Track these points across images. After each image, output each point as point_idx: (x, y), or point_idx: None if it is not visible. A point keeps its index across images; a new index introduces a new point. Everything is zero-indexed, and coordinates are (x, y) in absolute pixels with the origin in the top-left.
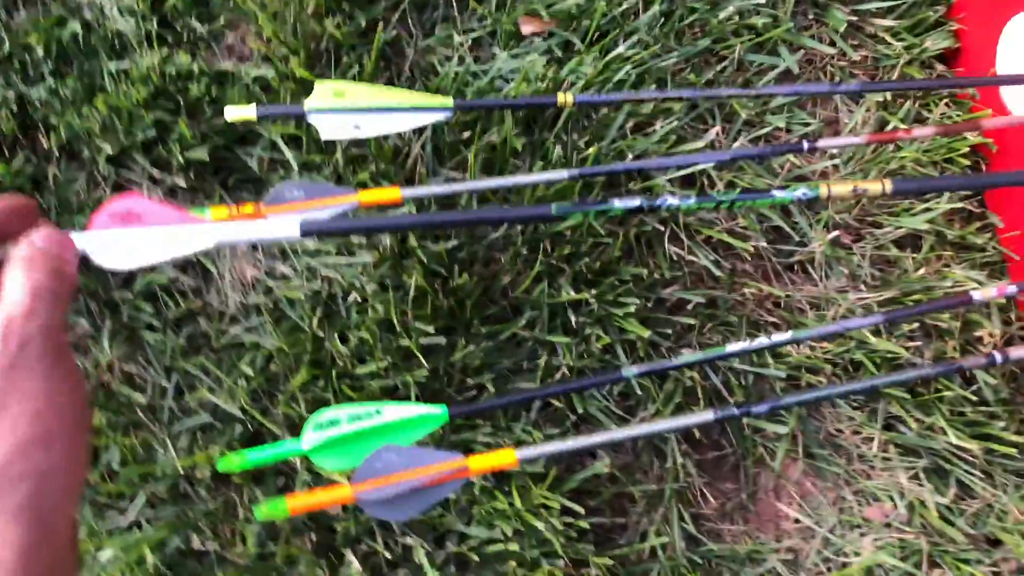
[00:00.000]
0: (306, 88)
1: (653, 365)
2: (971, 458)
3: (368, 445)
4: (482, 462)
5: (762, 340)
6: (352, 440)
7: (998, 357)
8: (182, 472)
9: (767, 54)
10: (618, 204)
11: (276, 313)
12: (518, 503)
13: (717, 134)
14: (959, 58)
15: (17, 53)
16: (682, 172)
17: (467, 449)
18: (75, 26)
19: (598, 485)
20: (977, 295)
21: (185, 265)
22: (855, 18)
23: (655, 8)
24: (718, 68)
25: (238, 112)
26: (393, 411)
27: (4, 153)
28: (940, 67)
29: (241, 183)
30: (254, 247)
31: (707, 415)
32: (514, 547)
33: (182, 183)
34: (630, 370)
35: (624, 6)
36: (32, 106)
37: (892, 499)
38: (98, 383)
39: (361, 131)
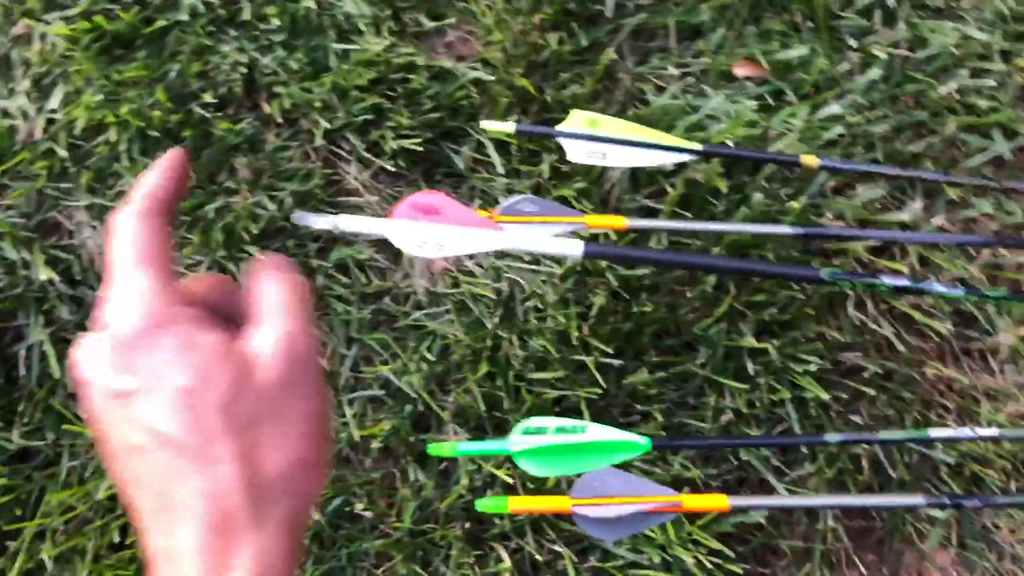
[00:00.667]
0: (521, 96)
1: (855, 435)
2: None
3: (569, 459)
4: (696, 501)
5: (966, 431)
6: (555, 451)
7: None
8: (358, 439)
9: (980, 135)
10: (887, 280)
11: (459, 305)
12: (671, 534)
13: (921, 209)
14: None
15: (254, 21)
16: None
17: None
18: (309, 2)
19: (748, 532)
20: None
21: (379, 245)
22: None
23: (874, 72)
24: (927, 142)
25: (497, 126)
26: (598, 432)
27: (229, 111)
28: None
29: (445, 176)
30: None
31: (918, 499)
32: (658, 575)
33: (390, 167)
34: (833, 437)
35: (846, 66)
36: (261, 72)
37: None
38: None
39: (607, 160)
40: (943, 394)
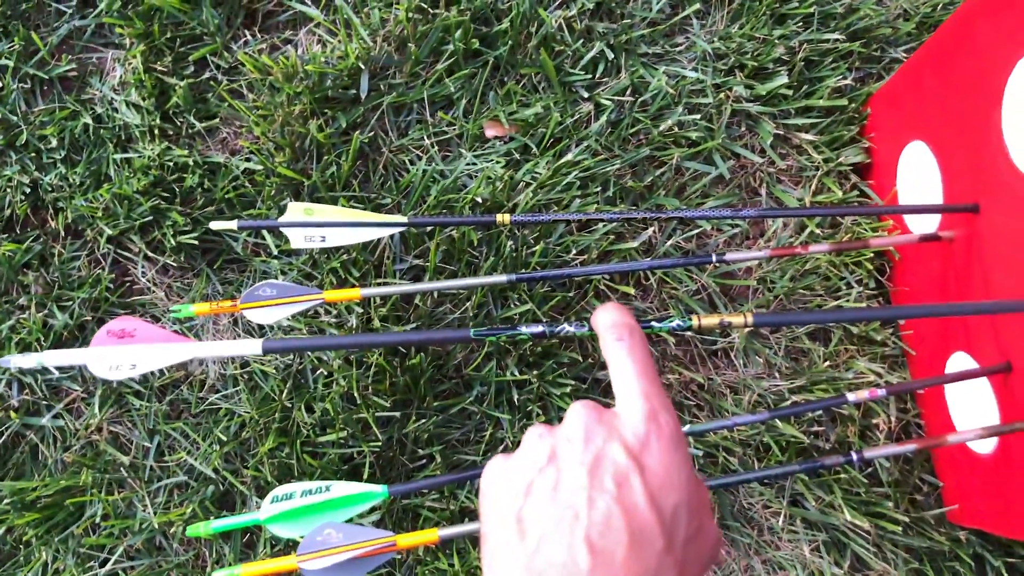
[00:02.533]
0: (288, 182)
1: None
2: (865, 533)
3: (317, 517)
4: (408, 539)
5: (708, 424)
6: (304, 511)
7: (855, 457)
8: (157, 527)
9: (703, 161)
10: (525, 331)
11: (251, 384)
12: (457, 564)
13: (653, 233)
14: (870, 172)
15: (33, 142)
16: (604, 272)
17: (415, 513)
18: (87, 119)
19: None
20: (851, 396)
21: None
22: (781, 131)
23: (604, 119)
24: (658, 173)
25: (222, 225)
26: (341, 488)
27: (16, 231)
28: (855, 178)
29: (227, 263)
30: (235, 322)
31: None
32: None
33: (173, 263)
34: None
35: (576, 117)
36: (44, 190)
37: (796, 569)
38: (87, 443)
39: (326, 242)
40: (695, 393)
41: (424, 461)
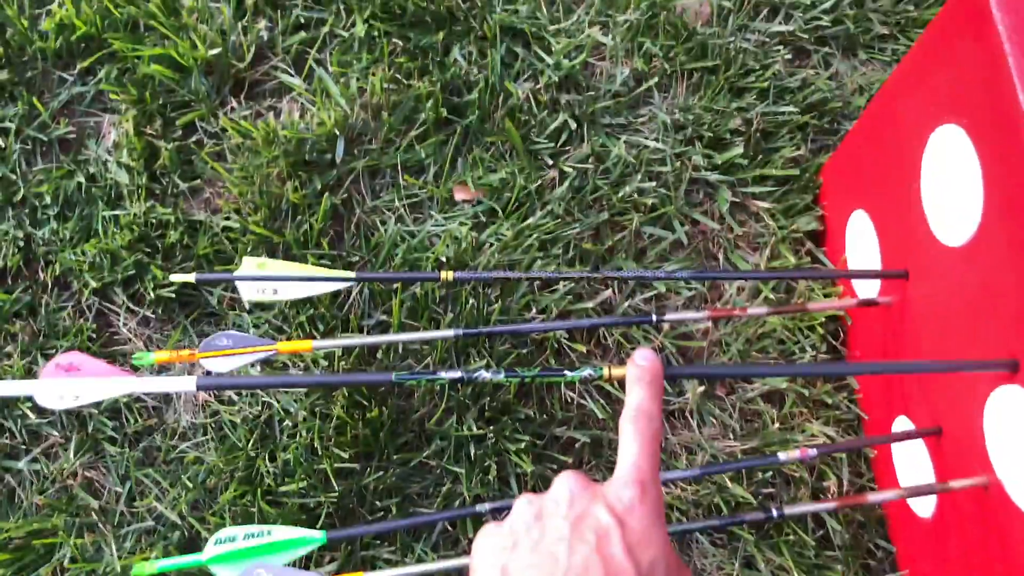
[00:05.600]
0: (262, 240)
1: (504, 503)
2: None
3: (257, 558)
4: None
5: None
6: (245, 554)
7: (775, 513)
8: (120, 571)
9: (662, 227)
10: (443, 375)
11: (220, 433)
12: None
13: (612, 294)
14: (824, 239)
15: (30, 199)
16: (550, 329)
17: (373, 564)
18: (80, 178)
19: None
20: (783, 456)
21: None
22: (739, 199)
23: (566, 185)
24: (618, 237)
25: (181, 277)
26: (281, 532)
27: (7, 282)
28: (809, 244)
29: (204, 316)
30: (207, 373)
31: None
32: None
33: (152, 315)
34: (484, 507)
35: (540, 182)
36: (36, 243)
37: None
38: (62, 487)
39: (278, 295)
40: None
41: (382, 513)
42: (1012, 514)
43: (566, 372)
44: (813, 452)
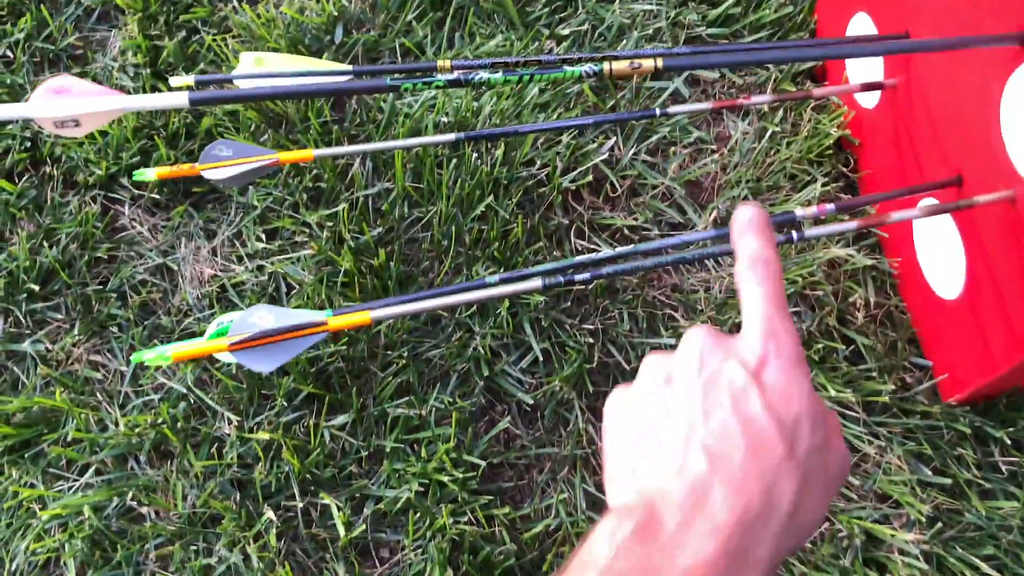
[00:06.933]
0: (266, 118)
1: (512, 274)
2: (853, 415)
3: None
4: (340, 321)
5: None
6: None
7: (795, 236)
8: (125, 430)
9: (663, 82)
10: (441, 78)
11: (226, 307)
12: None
13: (616, 144)
14: (824, 76)
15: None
16: (549, 129)
17: (395, 418)
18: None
19: (506, 455)
20: (800, 212)
21: (154, 270)
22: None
23: (563, 48)
24: (619, 95)
25: (180, 80)
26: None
27: (15, 180)
28: (809, 84)
29: (209, 198)
30: (214, 252)
31: (536, 283)
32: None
33: (159, 197)
34: (492, 278)
35: (537, 45)
36: (42, 142)
37: None
38: (66, 372)
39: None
40: (668, 297)
41: (394, 365)
42: None
43: (565, 68)
44: (831, 207)
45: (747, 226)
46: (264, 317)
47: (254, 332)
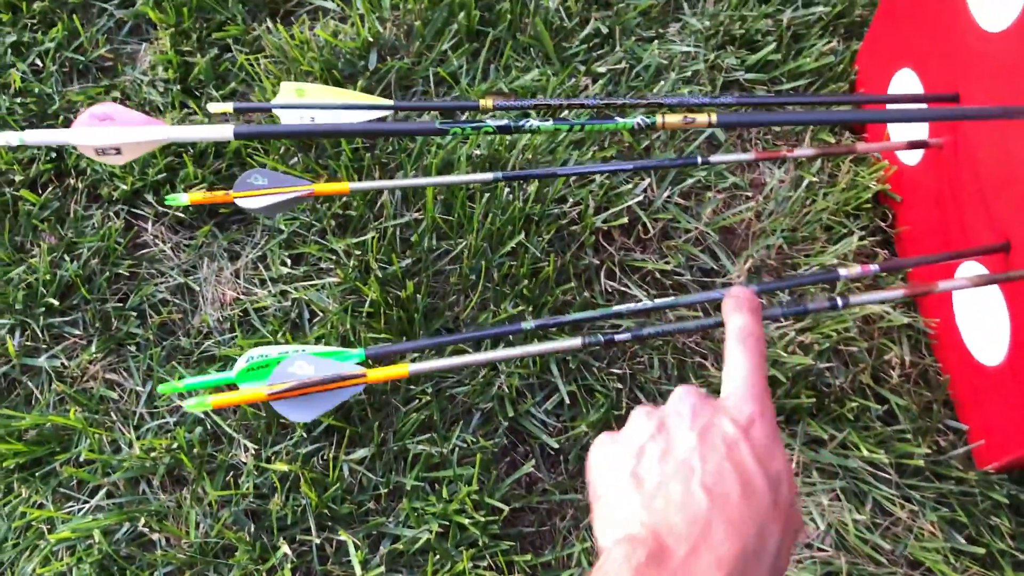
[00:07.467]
0: (297, 142)
1: (548, 321)
2: (886, 476)
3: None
4: (379, 374)
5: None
6: (274, 364)
7: (839, 302)
8: (139, 454)
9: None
10: (490, 123)
11: (247, 329)
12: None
13: (650, 185)
14: (863, 127)
15: (63, 113)
16: (579, 172)
17: (416, 455)
18: (115, 94)
19: (528, 499)
20: (843, 272)
21: (175, 289)
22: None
23: (598, 86)
24: (654, 136)
25: (219, 107)
26: (316, 349)
27: (39, 192)
28: (848, 135)
29: (234, 219)
30: (237, 274)
31: (575, 342)
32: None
33: (183, 215)
34: (528, 323)
35: (573, 82)
36: (67, 153)
37: (814, 521)
38: (81, 390)
39: (315, 121)
40: (698, 344)
41: (417, 401)
42: None
43: (617, 119)
44: (874, 267)
45: (738, 304)
46: (303, 367)
47: (293, 383)
